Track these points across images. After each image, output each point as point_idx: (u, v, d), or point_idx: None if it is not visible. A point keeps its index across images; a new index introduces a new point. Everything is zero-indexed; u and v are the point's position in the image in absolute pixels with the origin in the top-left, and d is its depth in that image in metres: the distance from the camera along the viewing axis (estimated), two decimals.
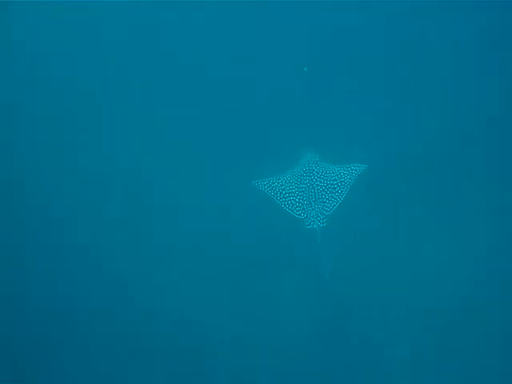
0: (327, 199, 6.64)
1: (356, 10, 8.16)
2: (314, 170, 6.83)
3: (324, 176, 6.76)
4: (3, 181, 7.61)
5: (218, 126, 7.78)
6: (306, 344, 6.57)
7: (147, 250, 7.16)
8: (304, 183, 6.75)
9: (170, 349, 6.66)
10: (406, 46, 7.97)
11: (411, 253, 6.83)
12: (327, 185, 6.70)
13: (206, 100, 7.96)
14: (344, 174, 6.77)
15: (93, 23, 8.45)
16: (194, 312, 6.77)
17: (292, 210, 6.67)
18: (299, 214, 6.64)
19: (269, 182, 6.85)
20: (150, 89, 8.12)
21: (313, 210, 6.60)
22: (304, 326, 6.64)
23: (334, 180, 6.73)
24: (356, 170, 6.77)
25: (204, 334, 6.69)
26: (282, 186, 6.80)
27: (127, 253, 7.13)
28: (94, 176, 7.60)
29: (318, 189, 6.69)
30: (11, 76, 8.25)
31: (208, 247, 7.08)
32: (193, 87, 8.04)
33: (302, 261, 6.83)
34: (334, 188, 6.68)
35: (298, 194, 6.71)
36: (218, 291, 6.87)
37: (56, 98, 8.13)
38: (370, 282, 6.70)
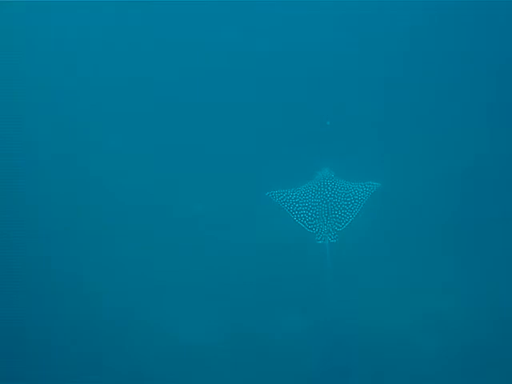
0: (340, 215, 6.65)
1: (378, 24, 8.34)
2: (328, 186, 6.86)
3: (338, 192, 6.79)
4: None
5: (234, 139, 7.93)
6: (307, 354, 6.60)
7: (149, 253, 7.22)
8: (318, 198, 6.78)
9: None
10: (424, 63, 8.14)
11: (419, 274, 6.86)
12: (341, 201, 6.72)
13: (223, 111, 8.12)
14: (358, 191, 6.79)
15: (89, 24, 8.64)
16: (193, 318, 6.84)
17: (304, 224, 6.69)
18: (311, 228, 6.66)
19: (283, 194, 6.89)
20: (163, 99, 8.28)
21: (325, 225, 6.62)
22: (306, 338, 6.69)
23: (348, 197, 6.75)
24: (370, 187, 6.80)
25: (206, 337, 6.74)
26: (295, 198, 6.83)
27: (125, 260, 7.18)
28: (96, 186, 7.69)
29: (331, 204, 6.71)
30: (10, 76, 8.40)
31: (214, 256, 7.17)
32: (209, 100, 8.21)
33: (309, 275, 6.87)
34: (347, 205, 6.70)
35: (311, 208, 6.73)
36: (222, 300, 6.92)
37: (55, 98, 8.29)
38: (374, 300, 6.75)
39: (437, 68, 8.10)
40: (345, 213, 6.66)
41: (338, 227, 6.61)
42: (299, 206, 6.77)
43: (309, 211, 6.72)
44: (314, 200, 6.78)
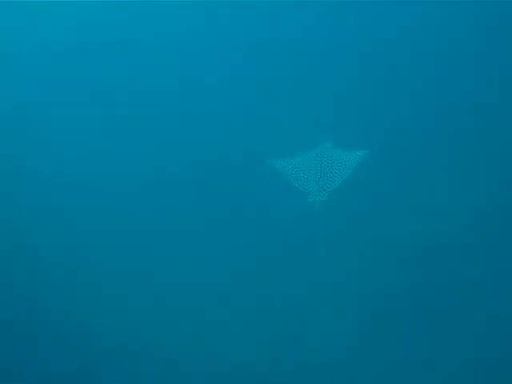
0: (331, 177, 7.49)
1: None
2: (324, 154, 7.74)
3: (332, 159, 7.64)
4: None
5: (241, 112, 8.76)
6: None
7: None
8: (313, 163, 7.65)
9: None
10: (415, 47, 8.92)
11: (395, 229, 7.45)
12: (333, 165, 7.57)
13: (230, 85, 8.96)
14: (349, 158, 7.63)
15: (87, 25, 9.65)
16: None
17: (299, 184, 7.57)
18: (304, 188, 7.54)
19: (283, 161, 7.82)
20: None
21: (316, 185, 7.47)
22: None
23: (340, 162, 7.59)
24: (359, 154, 7.62)
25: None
26: (294, 164, 7.73)
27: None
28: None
29: (324, 168, 7.56)
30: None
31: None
32: (211, 73, 9.03)
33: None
34: (339, 169, 7.53)
35: (306, 172, 7.60)
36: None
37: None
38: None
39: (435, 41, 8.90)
40: (335, 176, 7.50)
41: (328, 187, 7.45)
42: (296, 170, 7.66)
43: (304, 174, 7.59)
44: (310, 165, 7.65)
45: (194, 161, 8.40)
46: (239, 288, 7.25)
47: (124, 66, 9.45)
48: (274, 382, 6.54)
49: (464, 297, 6.75)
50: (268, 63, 9.19)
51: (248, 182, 8.09)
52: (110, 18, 9.77)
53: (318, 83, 8.94)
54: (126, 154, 8.64)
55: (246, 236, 7.65)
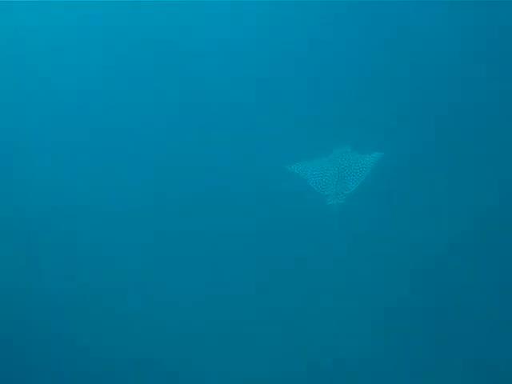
0: (349, 181, 7.52)
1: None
2: (342, 157, 7.82)
3: (350, 162, 7.72)
4: None
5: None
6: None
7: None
8: (331, 167, 7.72)
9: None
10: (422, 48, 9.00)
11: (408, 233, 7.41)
12: (351, 169, 7.64)
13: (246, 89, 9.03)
14: (366, 160, 7.70)
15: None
16: None
17: (317, 187, 7.60)
18: (322, 192, 7.54)
19: (302, 164, 7.90)
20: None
21: (335, 188, 7.49)
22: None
23: (357, 165, 7.66)
24: (375, 157, 7.70)
25: None
26: (313, 167, 7.82)
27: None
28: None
29: (342, 172, 7.64)
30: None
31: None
32: (230, 74, 9.14)
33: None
34: (356, 172, 7.60)
35: (324, 175, 7.66)
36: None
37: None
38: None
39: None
40: (353, 179, 7.54)
41: (346, 190, 7.47)
42: (315, 174, 7.72)
43: (323, 178, 7.66)
44: (328, 169, 7.72)
45: (212, 165, 8.45)
46: (250, 290, 7.22)
47: (127, 68, 9.60)
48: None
49: (479, 303, 6.72)
50: (283, 65, 9.34)
51: (266, 185, 8.13)
52: (110, 19, 9.92)
53: (336, 85, 9.05)
54: (136, 155, 8.73)
55: (262, 238, 7.68)
